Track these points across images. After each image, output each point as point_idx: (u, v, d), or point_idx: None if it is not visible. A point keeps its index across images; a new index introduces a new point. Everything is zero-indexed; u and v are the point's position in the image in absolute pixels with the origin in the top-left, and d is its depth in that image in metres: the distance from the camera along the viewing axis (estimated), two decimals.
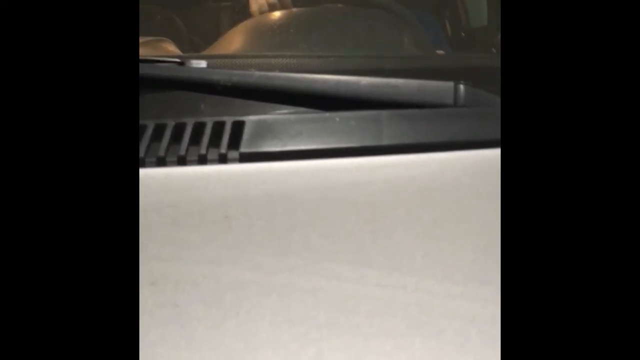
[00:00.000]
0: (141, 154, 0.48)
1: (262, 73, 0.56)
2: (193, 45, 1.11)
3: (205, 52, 0.91)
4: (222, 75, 0.56)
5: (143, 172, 0.47)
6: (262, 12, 0.99)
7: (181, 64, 0.60)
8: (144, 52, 0.82)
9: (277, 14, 0.93)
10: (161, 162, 0.48)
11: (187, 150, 0.48)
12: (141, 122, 0.50)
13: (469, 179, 0.46)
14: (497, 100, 0.54)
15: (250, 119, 0.50)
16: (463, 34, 1.19)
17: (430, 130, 0.50)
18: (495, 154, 0.45)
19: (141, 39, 0.85)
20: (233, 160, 0.48)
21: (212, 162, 0.48)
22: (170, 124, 0.50)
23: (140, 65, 0.59)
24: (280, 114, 0.54)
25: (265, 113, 0.54)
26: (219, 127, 0.50)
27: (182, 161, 0.48)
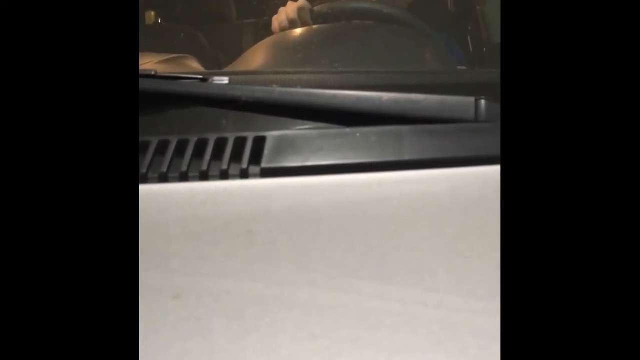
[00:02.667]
0: (164, 169, 0.48)
1: (284, 89, 0.56)
2: (216, 62, 1.12)
3: (228, 69, 0.92)
4: (243, 91, 0.57)
5: (165, 187, 0.48)
6: (282, 29, 1.00)
7: (204, 80, 0.61)
8: (167, 69, 0.83)
9: (298, 31, 0.94)
10: (184, 177, 0.48)
11: (209, 165, 0.49)
12: (164, 137, 0.51)
13: (492, 194, 0.45)
14: None
15: (271, 135, 0.50)
16: (485, 50, 1.19)
17: (452, 146, 0.50)
18: None
19: (165, 56, 0.86)
20: (254, 176, 0.48)
21: (234, 177, 0.48)
22: (193, 139, 0.51)
23: (164, 81, 0.60)
24: (302, 130, 0.54)
25: (286, 128, 0.54)
26: (240, 142, 0.50)
27: (204, 176, 0.48)
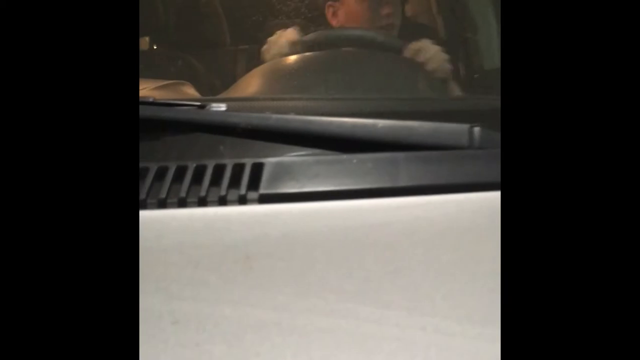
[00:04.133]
0: (163, 195, 0.49)
1: (280, 116, 0.57)
2: (211, 88, 1.13)
3: (224, 95, 0.93)
4: (241, 118, 0.57)
5: (164, 213, 0.48)
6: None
7: (202, 107, 0.61)
8: (164, 95, 0.84)
9: (292, 58, 0.96)
10: (182, 203, 0.49)
11: (207, 191, 0.49)
12: (162, 163, 0.51)
13: (486, 220, 0.46)
14: None
15: (269, 161, 0.51)
16: (476, 76, 1.21)
17: (447, 172, 0.51)
18: None
19: (161, 82, 0.87)
20: (252, 201, 0.48)
21: (232, 203, 0.49)
22: (192, 165, 0.51)
23: (162, 108, 0.61)
24: (299, 156, 0.55)
25: (284, 155, 0.55)
26: (238, 168, 0.51)
27: (202, 202, 0.49)
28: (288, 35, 1.01)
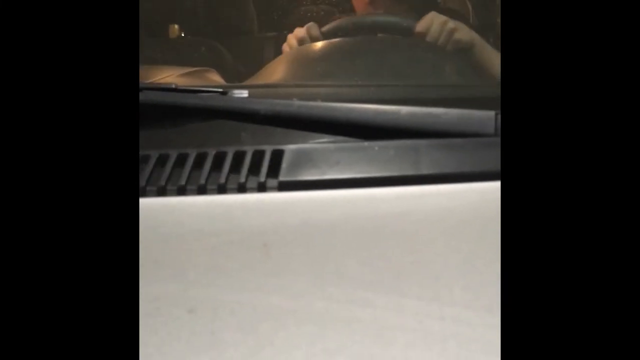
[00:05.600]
0: (182, 182, 0.49)
1: (302, 102, 0.56)
2: (238, 75, 1.13)
3: (249, 82, 0.93)
4: (263, 105, 0.57)
5: (183, 200, 0.48)
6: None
7: (224, 93, 0.61)
8: (188, 82, 0.84)
9: (318, 45, 0.95)
10: (202, 190, 0.48)
11: (227, 178, 0.49)
12: (183, 150, 0.51)
13: None
14: None
15: (289, 148, 0.50)
16: None
17: (471, 160, 0.50)
18: None
19: (185, 69, 0.87)
20: (272, 189, 0.48)
21: (251, 190, 0.48)
22: (211, 152, 0.51)
23: (184, 95, 0.61)
24: (320, 143, 0.54)
25: (304, 142, 0.54)
26: (258, 155, 0.50)
27: (222, 189, 0.48)
28: (297, 33, 0.99)
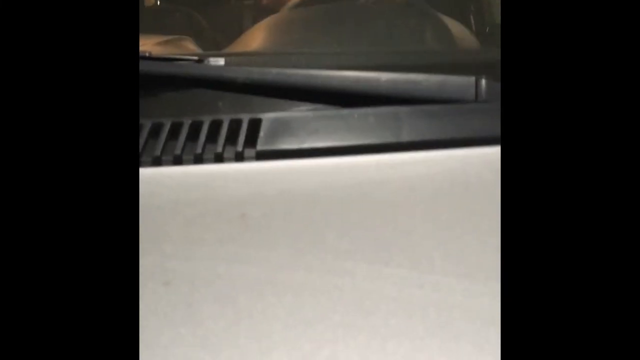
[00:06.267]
0: (157, 152, 0.47)
1: (280, 70, 0.55)
2: (215, 44, 1.11)
3: (226, 50, 0.91)
4: (239, 73, 0.56)
5: (159, 170, 0.47)
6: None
7: (199, 61, 0.60)
8: (163, 50, 0.82)
9: (297, 12, 0.93)
10: (178, 161, 0.47)
11: (203, 148, 0.48)
12: (158, 120, 0.50)
13: (491, 175, 0.44)
14: None
15: (267, 117, 0.49)
16: (487, 29, 1.17)
17: (451, 127, 0.49)
18: None
19: (161, 38, 0.85)
20: (250, 159, 0.47)
21: (229, 160, 0.47)
22: (187, 122, 0.50)
23: (159, 63, 0.59)
24: (298, 111, 0.53)
25: (282, 110, 0.53)
26: (235, 124, 0.49)
27: (198, 159, 0.47)
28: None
